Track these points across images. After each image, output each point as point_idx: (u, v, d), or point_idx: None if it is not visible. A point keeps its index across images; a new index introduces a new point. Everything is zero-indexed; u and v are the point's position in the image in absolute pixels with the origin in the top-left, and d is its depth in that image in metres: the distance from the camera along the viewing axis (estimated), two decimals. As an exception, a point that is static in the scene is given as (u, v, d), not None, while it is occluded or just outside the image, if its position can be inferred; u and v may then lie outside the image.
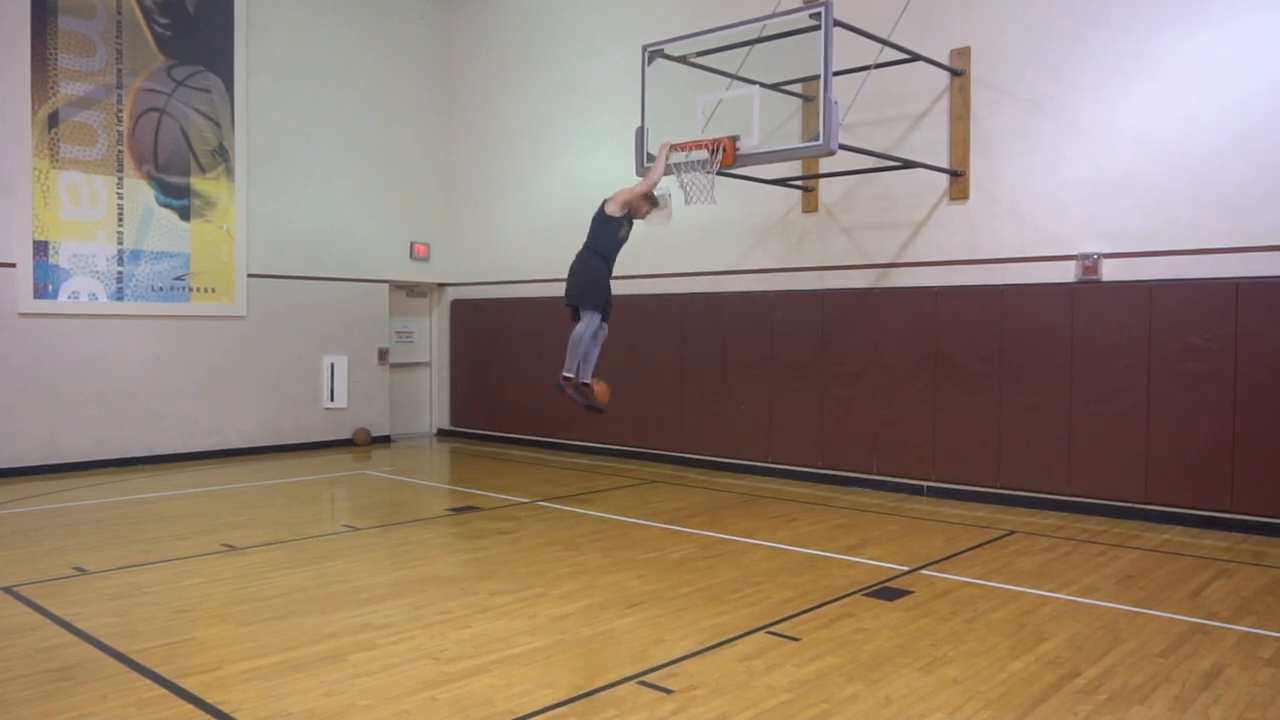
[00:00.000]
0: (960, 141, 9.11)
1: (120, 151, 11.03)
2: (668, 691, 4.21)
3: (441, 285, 14.50)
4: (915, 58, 8.74)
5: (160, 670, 4.46)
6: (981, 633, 5.08)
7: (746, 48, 8.53)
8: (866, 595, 5.80)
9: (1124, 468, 8.21)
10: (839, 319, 9.94)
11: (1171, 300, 7.98)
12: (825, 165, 9.76)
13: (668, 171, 8.24)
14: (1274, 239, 7.56)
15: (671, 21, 10.46)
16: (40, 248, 10.44)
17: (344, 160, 13.13)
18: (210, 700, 4.10)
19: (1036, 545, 7.24)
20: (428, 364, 14.65)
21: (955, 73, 9.08)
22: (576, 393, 7.57)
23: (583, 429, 12.34)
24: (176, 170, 11.48)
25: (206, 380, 11.76)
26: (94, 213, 10.84)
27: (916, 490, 9.41)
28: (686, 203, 8.12)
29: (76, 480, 10.19)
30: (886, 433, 9.59)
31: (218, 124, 11.83)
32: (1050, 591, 5.92)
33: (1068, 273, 8.56)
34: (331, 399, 12.98)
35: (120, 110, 11.02)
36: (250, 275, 12.14)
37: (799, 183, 10.12)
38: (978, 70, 9.04)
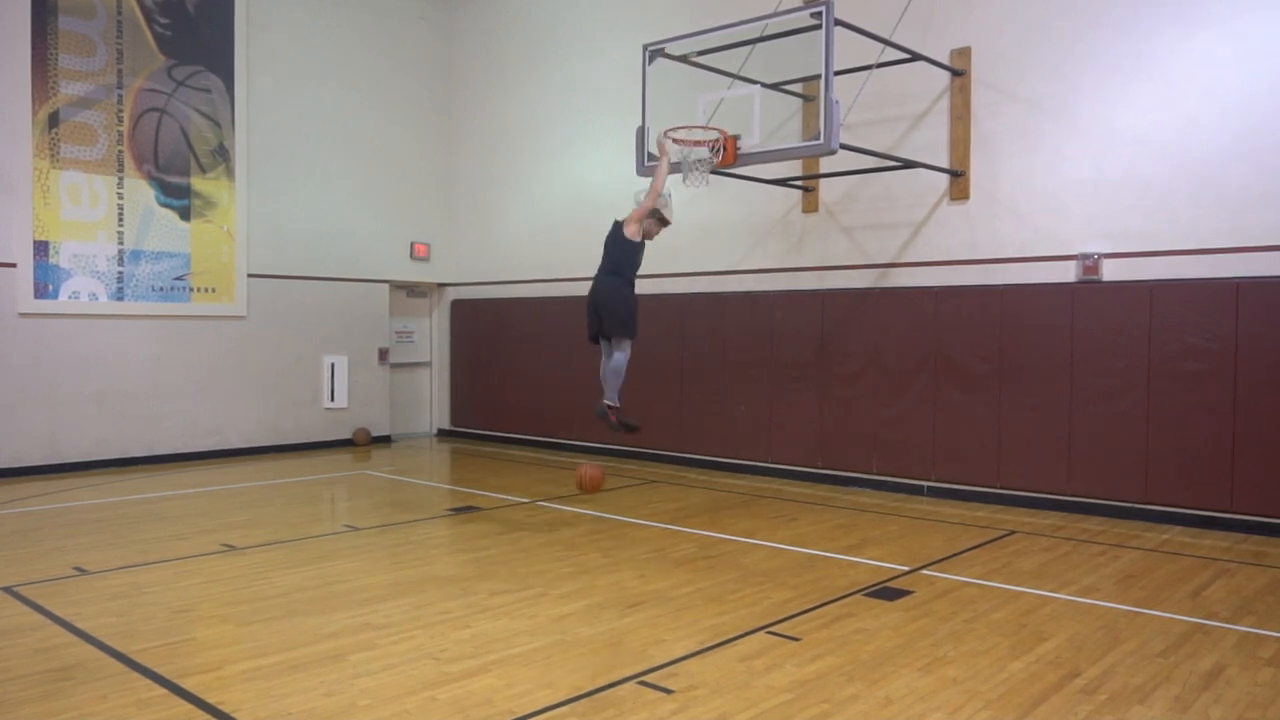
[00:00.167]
0: (960, 141, 9.11)
1: (120, 151, 11.03)
2: (668, 691, 4.21)
3: (441, 285, 14.51)
4: (916, 57, 8.74)
5: (160, 670, 4.46)
6: (982, 633, 5.08)
7: (747, 47, 8.54)
8: (867, 595, 5.80)
9: (1124, 468, 8.21)
10: (839, 319, 9.94)
11: (1171, 300, 7.98)
12: (825, 165, 9.76)
13: (671, 170, 8.24)
14: (1274, 239, 7.56)
15: (672, 21, 10.45)
16: (40, 248, 10.45)
17: (344, 160, 13.13)
18: (210, 700, 4.10)
19: (1037, 545, 7.24)
20: (428, 364, 14.65)
21: (955, 73, 9.08)
22: (618, 419, 7.64)
23: (583, 429, 12.34)
24: (177, 170, 11.48)
25: (207, 380, 11.77)
26: (94, 213, 10.85)
27: (917, 490, 9.41)
28: (684, 183, 8.07)
29: (76, 480, 10.19)
30: (886, 433, 9.59)
31: (218, 124, 11.84)
32: (1050, 591, 5.92)
33: (1068, 273, 8.56)
34: (332, 399, 12.98)
35: (120, 110, 11.02)
36: (250, 275, 12.14)
37: (799, 183, 10.12)
38: (978, 70, 9.04)
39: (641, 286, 11.65)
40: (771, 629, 5.11)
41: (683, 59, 8.54)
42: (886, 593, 5.85)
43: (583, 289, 12.42)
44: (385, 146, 13.58)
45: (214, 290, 11.81)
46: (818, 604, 5.59)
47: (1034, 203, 8.76)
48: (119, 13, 10.96)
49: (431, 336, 14.67)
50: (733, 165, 8.01)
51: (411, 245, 13.91)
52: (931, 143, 9.27)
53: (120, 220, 11.04)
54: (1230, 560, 6.80)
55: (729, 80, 8.57)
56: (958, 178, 9.14)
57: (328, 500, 9.49)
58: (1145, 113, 8.17)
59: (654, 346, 11.41)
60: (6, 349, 10.21)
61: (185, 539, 7.31)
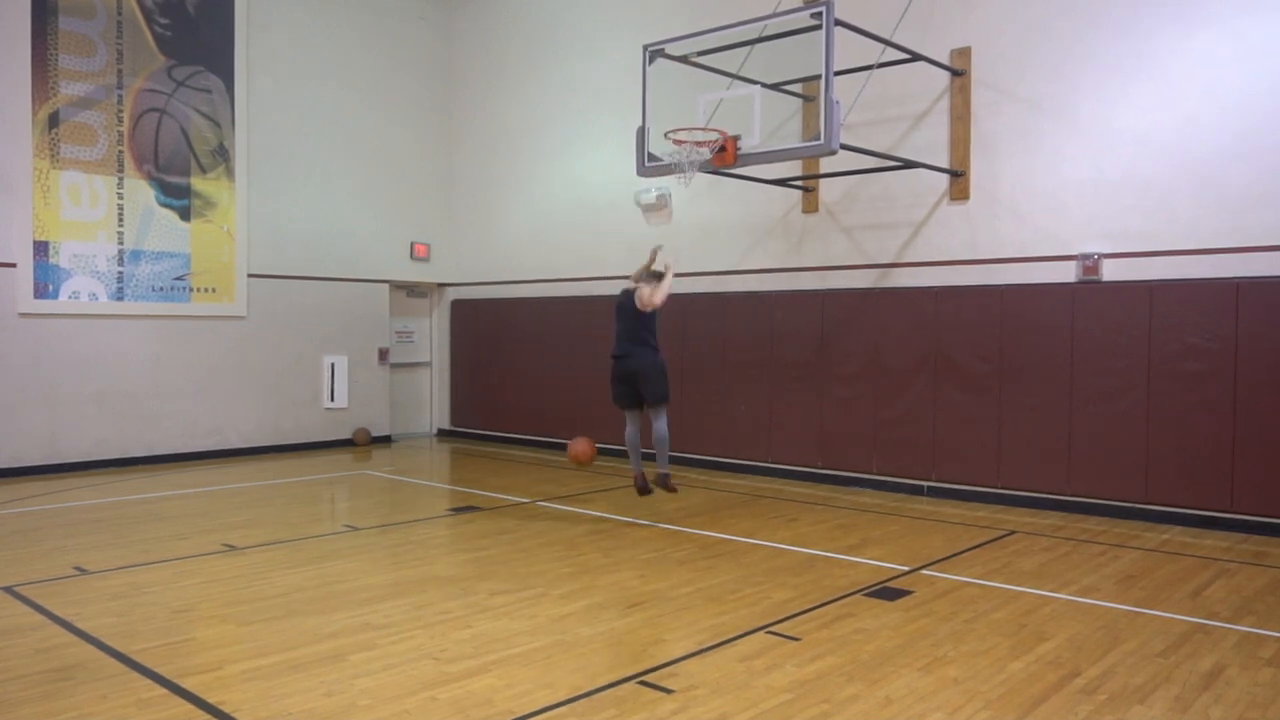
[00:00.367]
0: (960, 141, 9.11)
1: (121, 152, 11.03)
2: (668, 691, 4.21)
3: (441, 285, 14.51)
4: (916, 58, 8.74)
5: (160, 670, 4.46)
6: (982, 633, 5.08)
7: (747, 47, 8.54)
8: (867, 595, 5.80)
9: (1124, 468, 8.21)
10: (839, 319, 9.94)
11: (1172, 300, 7.98)
12: (825, 165, 9.76)
13: (667, 171, 8.26)
14: (1274, 239, 7.56)
15: (672, 21, 10.46)
16: (41, 248, 10.45)
17: (344, 160, 13.13)
18: (210, 700, 4.10)
19: (1037, 545, 7.24)
20: (428, 364, 14.65)
21: (956, 73, 9.08)
22: (669, 484, 7.93)
23: (583, 430, 12.32)
24: (177, 170, 11.48)
25: (207, 380, 11.77)
26: (94, 213, 10.85)
27: (917, 490, 9.41)
28: (678, 177, 8.09)
29: (76, 480, 10.19)
30: (887, 433, 9.59)
31: (218, 124, 11.84)
32: (1050, 591, 5.92)
33: (1068, 273, 8.56)
34: (332, 399, 12.98)
35: (121, 110, 11.02)
36: (250, 275, 12.14)
37: (799, 183, 10.12)
38: (978, 70, 9.04)
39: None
40: (771, 629, 5.11)
41: (683, 59, 8.54)
42: (887, 593, 5.85)
43: (583, 289, 12.49)
44: (385, 146, 13.58)
45: (214, 290, 11.81)
46: (818, 604, 5.59)
47: (1034, 203, 8.76)
48: (119, 13, 10.96)
49: (431, 336, 14.67)
50: (733, 165, 8.01)
51: (411, 245, 13.91)
52: (931, 143, 9.27)
53: (120, 220, 11.04)
54: (1230, 560, 6.80)
55: (729, 80, 8.57)
56: (958, 178, 9.14)
57: (328, 500, 9.49)
58: (1145, 113, 8.17)
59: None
60: (6, 349, 10.21)
61: (185, 539, 7.31)
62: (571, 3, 12.77)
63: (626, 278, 11.90)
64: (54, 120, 10.52)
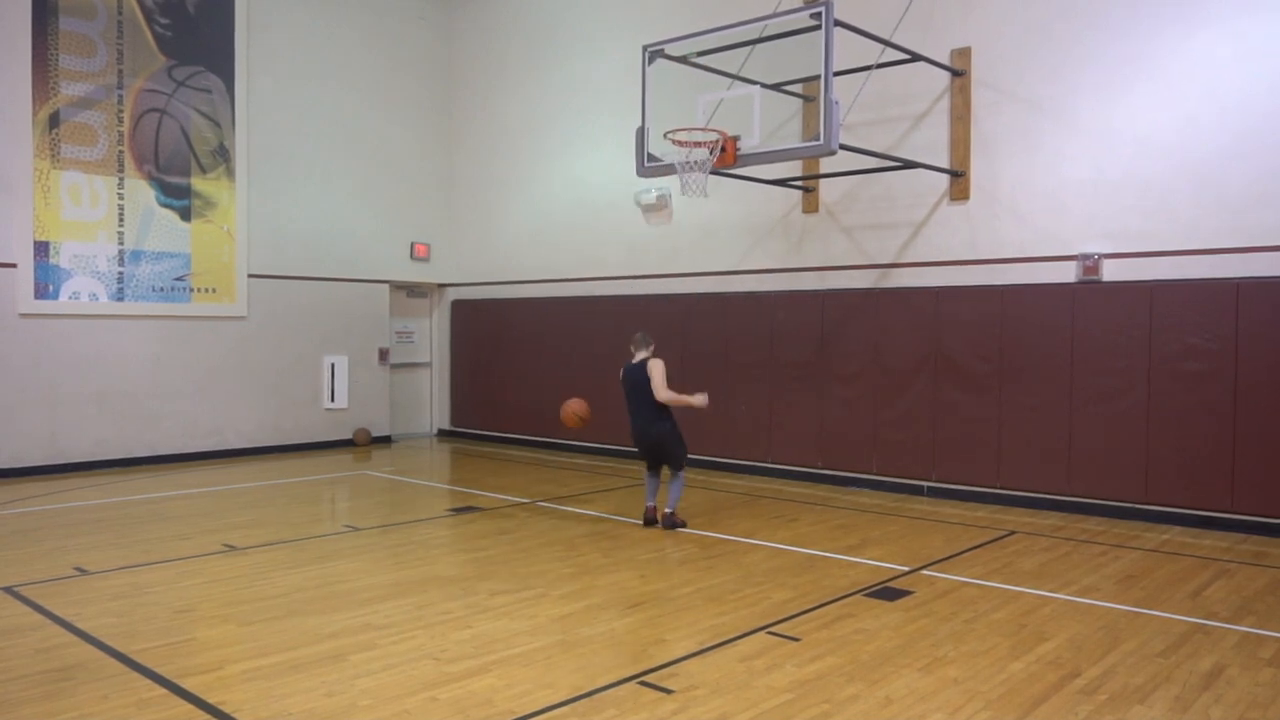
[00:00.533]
0: (960, 142, 9.11)
1: (121, 152, 11.03)
2: (668, 692, 4.21)
3: (442, 285, 14.51)
4: (916, 58, 8.74)
5: (161, 670, 4.46)
6: (982, 633, 5.08)
7: (747, 48, 8.54)
8: (867, 595, 5.80)
9: (1124, 468, 8.21)
10: (839, 319, 9.94)
11: (1172, 300, 7.98)
12: (826, 165, 9.77)
13: (667, 171, 8.27)
14: (1274, 239, 7.56)
15: (672, 21, 10.46)
16: (41, 248, 10.45)
17: (344, 160, 13.14)
18: (211, 700, 4.10)
19: (1037, 545, 7.24)
20: (428, 364, 14.65)
21: (956, 73, 9.08)
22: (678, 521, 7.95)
23: (581, 430, 12.34)
24: (177, 170, 11.48)
25: (207, 380, 11.77)
26: (95, 213, 10.85)
27: (917, 490, 9.41)
28: (683, 193, 8.12)
29: (77, 480, 10.20)
30: (887, 433, 9.59)
31: (218, 124, 11.84)
32: (1050, 592, 5.92)
33: (1068, 273, 8.56)
34: (332, 399, 12.98)
35: (121, 110, 11.02)
36: (251, 275, 12.14)
37: (799, 183, 10.12)
38: (978, 70, 9.04)
39: (644, 286, 11.75)
40: (771, 629, 5.11)
41: (683, 60, 8.54)
42: (887, 593, 5.86)
43: (583, 289, 12.49)
44: (385, 147, 13.58)
45: (214, 290, 11.82)
46: (818, 604, 5.59)
47: (1034, 203, 8.76)
48: (119, 13, 10.97)
49: (431, 337, 14.67)
50: (733, 166, 8.01)
51: (411, 245, 13.91)
52: (931, 143, 9.28)
53: (120, 220, 11.04)
54: (1230, 560, 6.80)
55: (729, 81, 8.58)
56: (958, 178, 9.14)
57: (328, 500, 9.49)
58: (1145, 113, 8.17)
59: (655, 346, 11.41)
60: (7, 349, 10.22)
61: (186, 539, 7.31)
62: (571, 3, 12.77)
63: (629, 278, 11.96)
64: (54, 120, 10.52)
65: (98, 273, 10.86)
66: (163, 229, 11.37)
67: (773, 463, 10.52)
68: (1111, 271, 8.34)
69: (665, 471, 8.04)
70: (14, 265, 10.26)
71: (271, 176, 12.35)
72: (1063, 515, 8.39)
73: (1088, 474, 8.41)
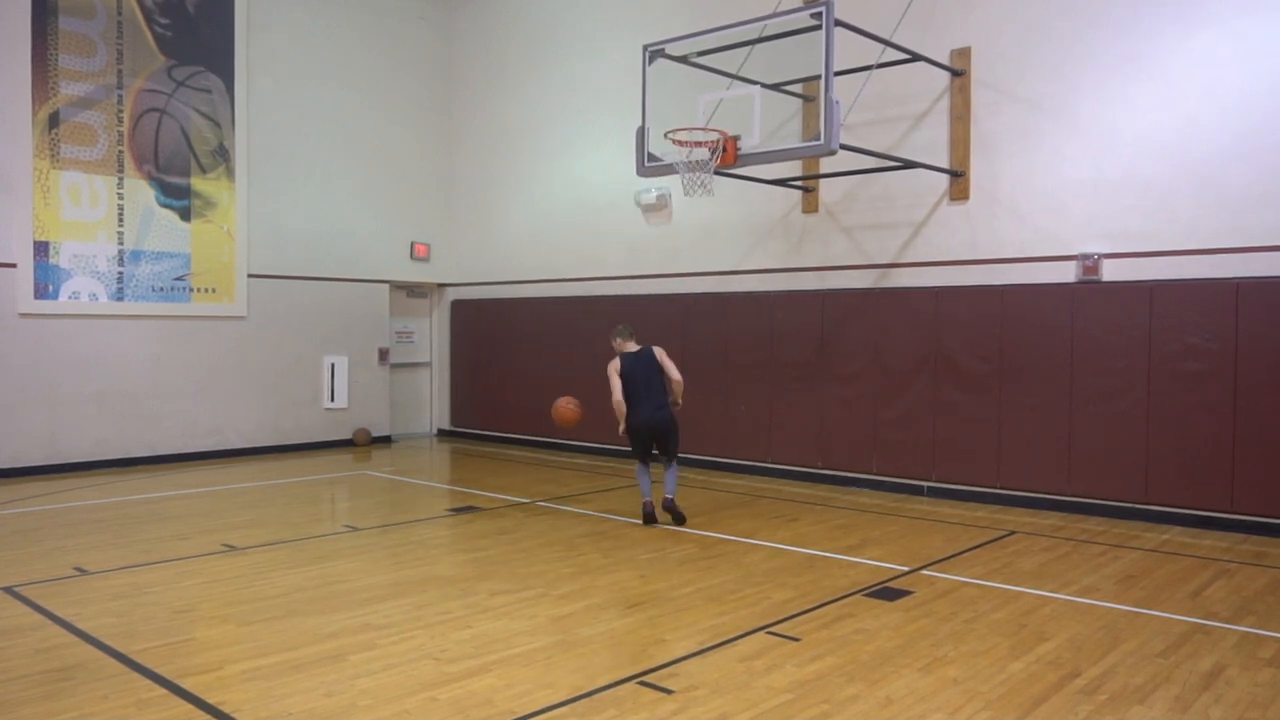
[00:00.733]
0: (960, 141, 9.11)
1: (121, 152, 11.03)
2: (668, 692, 4.21)
3: (441, 285, 14.51)
4: (916, 58, 8.74)
5: (161, 670, 4.46)
6: (982, 633, 5.08)
7: (747, 47, 8.53)
8: (867, 595, 5.80)
9: (1124, 468, 8.21)
10: (839, 319, 9.94)
11: (1171, 300, 7.98)
12: (825, 165, 9.77)
13: (667, 171, 8.27)
14: (1274, 239, 7.56)
15: (672, 21, 10.46)
16: (41, 248, 10.45)
17: (344, 160, 13.14)
18: (211, 700, 4.10)
19: (1037, 545, 7.24)
20: (428, 364, 14.65)
21: (955, 73, 9.08)
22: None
23: (582, 430, 12.35)
24: (177, 170, 11.48)
25: (207, 380, 11.77)
26: (94, 213, 10.85)
27: (917, 490, 9.41)
28: (685, 193, 8.13)
29: (77, 480, 10.19)
30: (887, 433, 9.59)
31: (218, 124, 11.84)
32: (1050, 592, 5.92)
33: (1068, 273, 8.56)
34: (332, 399, 12.98)
35: (121, 110, 11.02)
36: (250, 275, 12.14)
37: (799, 183, 10.12)
38: (978, 70, 9.04)
39: (644, 286, 11.76)
40: (771, 629, 5.11)
41: (683, 59, 8.54)
42: (886, 593, 5.86)
43: (583, 289, 12.49)
44: (385, 146, 13.58)
45: (214, 290, 11.82)
46: (818, 604, 5.59)
47: (1034, 203, 8.76)
48: (119, 13, 10.96)
49: (431, 337, 14.67)
50: (733, 166, 8.01)
51: (411, 245, 13.91)
52: (931, 143, 9.27)
53: (120, 220, 11.04)
54: (1230, 560, 6.80)
55: (729, 81, 8.57)
56: (958, 178, 9.14)
57: (328, 500, 9.49)
58: (1145, 113, 8.17)
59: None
60: (7, 349, 10.22)
61: (186, 539, 7.31)
62: (571, 3, 12.77)
63: (626, 278, 11.96)
64: (54, 120, 10.52)
65: (97, 273, 10.86)
66: (163, 229, 11.37)
67: (773, 463, 10.52)
68: (1111, 271, 8.34)
69: (655, 469, 8.09)
70: (14, 265, 10.26)
71: (271, 176, 12.35)
72: (1063, 515, 8.39)
73: (1088, 474, 8.41)
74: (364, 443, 13.22)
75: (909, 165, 8.88)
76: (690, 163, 7.91)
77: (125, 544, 7.15)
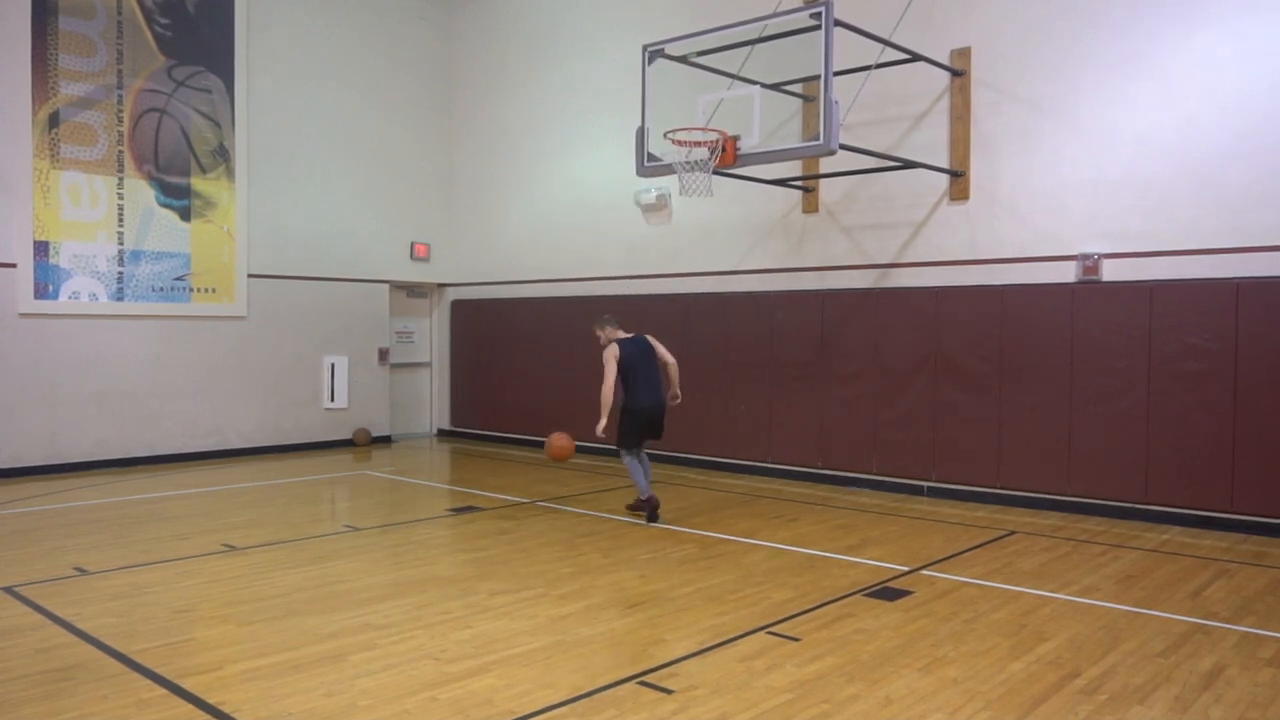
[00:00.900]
0: (960, 141, 9.11)
1: (121, 152, 11.03)
2: (668, 692, 4.21)
3: (441, 285, 14.51)
4: (916, 58, 8.74)
5: (161, 670, 4.46)
6: (982, 633, 5.08)
7: (747, 48, 8.53)
8: (867, 595, 5.80)
9: (1124, 468, 8.21)
10: (839, 319, 9.94)
11: (1171, 300, 7.98)
12: (825, 165, 9.77)
13: (667, 171, 8.28)
14: (1274, 239, 7.56)
15: (672, 21, 10.46)
16: (41, 248, 10.45)
17: (344, 160, 13.14)
18: (211, 700, 4.10)
19: (1037, 545, 7.24)
20: (428, 364, 14.65)
21: (955, 73, 9.08)
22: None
23: (584, 430, 12.35)
24: (177, 170, 11.48)
25: (207, 380, 11.77)
26: (94, 213, 10.85)
27: (917, 490, 9.41)
28: (681, 193, 8.14)
29: (77, 480, 10.19)
30: (887, 433, 9.59)
31: (218, 124, 11.84)
32: (1050, 592, 5.92)
33: (1068, 273, 8.56)
34: (332, 399, 12.98)
35: (121, 110, 11.02)
36: (250, 275, 12.14)
37: (799, 183, 10.12)
38: (978, 70, 9.04)
39: (644, 286, 11.76)
40: (771, 629, 5.11)
41: (682, 59, 8.54)
42: (886, 593, 5.86)
43: (583, 289, 12.49)
44: (385, 146, 13.58)
45: (214, 290, 11.82)
46: (818, 604, 5.59)
47: (1034, 203, 8.76)
48: (119, 13, 10.96)
49: (431, 337, 14.67)
50: (732, 166, 8.01)
51: (411, 245, 13.92)
52: (931, 143, 9.28)
53: (120, 220, 11.04)
54: (1230, 560, 6.80)
55: (729, 81, 8.57)
56: (958, 178, 9.14)
57: (328, 500, 9.49)
58: (1145, 113, 8.17)
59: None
60: (7, 349, 10.22)
61: (186, 539, 7.31)
62: (571, 3, 12.77)
63: (629, 278, 11.96)
64: (54, 120, 10.52)
65: (97, 272, 10.86)
66: (162, 229, 11.37)
67: (773, 463, 10.52)
68: (1111, 271, 8.34)
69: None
70: (14, 265, 10.26)
71: (271, 176, 12.35)
72: (1063, 515, 8.39)
73: (1088, 474, 8.41)
74: (364, 443, 13.22)
75: (909, 165, 8.89)
76: (690, 163, 7.91)
77: (125, 544, 7.15)
